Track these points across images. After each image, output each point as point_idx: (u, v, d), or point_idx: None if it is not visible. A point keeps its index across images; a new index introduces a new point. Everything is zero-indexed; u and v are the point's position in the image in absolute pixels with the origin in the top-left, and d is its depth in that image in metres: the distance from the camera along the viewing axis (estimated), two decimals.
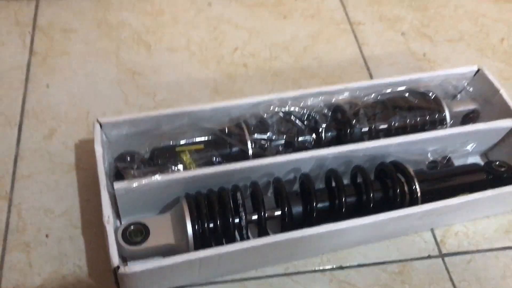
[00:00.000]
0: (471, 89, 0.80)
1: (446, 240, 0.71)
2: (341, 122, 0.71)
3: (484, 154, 0.80)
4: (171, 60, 0.88)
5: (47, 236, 0.66)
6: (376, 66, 0.91)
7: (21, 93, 0.80)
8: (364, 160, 0.70)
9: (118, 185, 0.61)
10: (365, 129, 0.71)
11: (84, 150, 0.74)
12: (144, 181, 0.61)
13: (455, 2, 1.05)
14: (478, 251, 0.71)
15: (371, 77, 0.89)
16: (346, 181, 0.68)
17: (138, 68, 0.86)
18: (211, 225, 0.60)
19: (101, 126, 0.66)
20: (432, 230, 0.72)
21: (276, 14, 0.97)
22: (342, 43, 0.94)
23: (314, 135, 0.70)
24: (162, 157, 0.66)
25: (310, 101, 0.72)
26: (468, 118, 0.77)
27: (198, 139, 0.69)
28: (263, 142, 0.68)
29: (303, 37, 0.94)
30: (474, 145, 0.74)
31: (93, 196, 0.69)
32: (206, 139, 0.69)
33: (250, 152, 0.67)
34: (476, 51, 0.96)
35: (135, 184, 0.61)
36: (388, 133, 0.72)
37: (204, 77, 0.86)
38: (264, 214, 0.62)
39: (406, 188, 0.66)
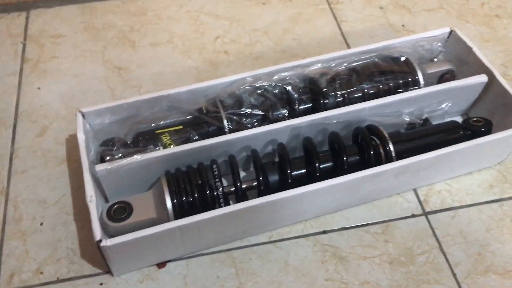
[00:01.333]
0: (446, 52, 0.81)
1: (429, 198, 0.72)
2: (314, 93, 0.73)
3: (465, 114, 0.81)
4: (154, 54, 0.91)
5: (41, 224, 0.70)
6: (355, 41, 0.93)
7: (14, 97, 0.85)
8: (341, 127, 0.72)
9: (99, 167, 0.64)
10: (339, 98, 0.73)
11: (74, 144, 0.77)
12: (125, 161, 0.65)
13: None
14: (461, 207, 0.71)
15: None
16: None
17: (124, 64, 0.89)
18: (190, 198, 0.63)
19: (84, 116, 0.70)
20: (415, 190, 0.73)
21: (255, 2, 1.00)
22: (321, 23, 0.96)
23: (288, 108, 0.72)
24: (143, 140, 0.69)
25: (282, 76, 0.74)
26: (444, 79, 0.77)
27: (177, 121, 0.72)
28: (238, 118, 0.70)
29: (283, 20, 0.97)
30: (450, 104, 0.75)
31: (83, 184, 0.72)
32: (184, 119, 0.72)
33: (226, 128, 0.70)
34: (456, 18, 0.97)
35: (116, 165, 0.64)
36: (362, 99, 0.73)
37: (187, 67, 0.89)
38: (240, 184, 0.64)
39: (381, 149, 0.67)
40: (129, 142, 0.69)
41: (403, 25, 0.96)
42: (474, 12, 0.98)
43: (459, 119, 0.80)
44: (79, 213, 0.71)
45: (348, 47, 0.92)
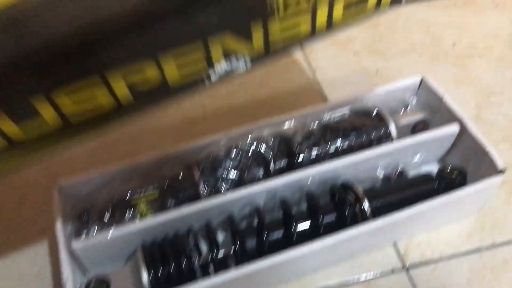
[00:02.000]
0: (418, 100, 0.82)
1: (409, 252, 0.72)
2: (288, 151, 0.73)
3: (442, 160, 0.81)
4: None
5: None
6: (330, 89, 0.94)
7: None
8: (316, 185, 0.72)
9: (75, 244, 0.64)
10: (313, 156, 0.73)
11: (53, 214, 0.77)
12: (101, 236, 0.65)
13: (406, 14, 1.08)
14: (441, 259, 0.71)
15: (325, 100, 0.92)
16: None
17: None
18: (166, 272, 0.63)
19: (60, 188, 0.70)
20: (394, 244, 0.73)
21: None
22: (295, 72, 0.97)
23: (263, 167, 0.72)
24: (120, 209, 0.69)
25: (256, 135, 0.74)
26: (417, 129, 0.78)
27: (153, 188, 0.72)
28: (214, 181, 0.71)
29: (257, 72, 0.98)
30: (424, 154, 0.75)
31: None
32: (160, 186, 0.72)
33: (202, 192, 0.70)
34: (429, 59, 0.98)
35: (91, 240, 0.64)
36: (337, 155, 0.74)
37: (164, 125, 0.90)
38: (217, 255, 0.64)
39: (356, 208, 0.67)
40: (105, 213, 0.69)
41: (377, 70, 0.97)
42: (446, 53, 0.99)
43: (435, 166, 0.80)
44: (59, 286, 0.70)
45: (323, 96, 0.93)
